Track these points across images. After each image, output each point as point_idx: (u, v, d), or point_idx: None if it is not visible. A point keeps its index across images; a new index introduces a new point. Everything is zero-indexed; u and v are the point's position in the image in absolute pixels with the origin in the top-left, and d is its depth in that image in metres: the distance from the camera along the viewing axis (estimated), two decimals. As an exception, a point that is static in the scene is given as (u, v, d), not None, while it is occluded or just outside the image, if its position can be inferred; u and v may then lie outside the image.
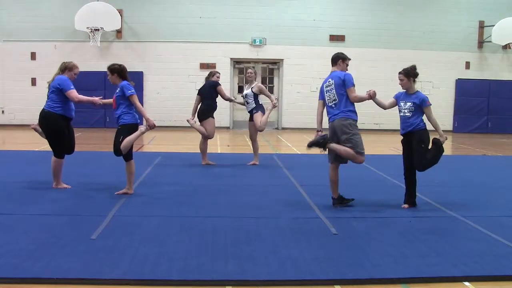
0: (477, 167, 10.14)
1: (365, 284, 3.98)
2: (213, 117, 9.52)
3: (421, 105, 6.19)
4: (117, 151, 6.59)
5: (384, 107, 6.57)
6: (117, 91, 6.61)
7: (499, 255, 4.56)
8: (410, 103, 6.20)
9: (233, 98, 10.29)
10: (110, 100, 7.07)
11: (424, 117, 6.28)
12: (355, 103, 6.23)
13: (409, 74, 6.25)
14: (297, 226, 5.45)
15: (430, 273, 4.11)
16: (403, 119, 6.28)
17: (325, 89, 6.34)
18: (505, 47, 18.37)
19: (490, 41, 18.28)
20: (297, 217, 5.81)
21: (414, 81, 6.30)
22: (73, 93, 6.81)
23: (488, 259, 4.44)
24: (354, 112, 6.22)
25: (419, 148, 6.14)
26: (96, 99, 7.10)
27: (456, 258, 4.45)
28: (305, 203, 6.56)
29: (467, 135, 17.91)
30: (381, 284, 3.97)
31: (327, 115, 6.35)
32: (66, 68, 6.98)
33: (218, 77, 9.62)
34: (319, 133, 6.34)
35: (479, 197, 7.07)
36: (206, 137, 9.57)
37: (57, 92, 6.82)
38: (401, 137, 6.43)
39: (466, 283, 3.99)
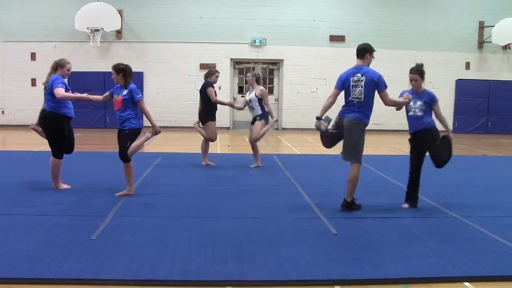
0: (477, 167, 10.14)
1: (365, 284, 3.98)
2: (213, 120, 9.40)
3: (431, 103, 6.19)
4: (124, 156, 6.58)
5: (399, 109, 6.47)
6: (125, 93, 6.53)
7: (499, 255, 4.57)
8: (420, 102, 6.16)
9: (226, 102, 9.99)
10: (98, 97, 6.98)
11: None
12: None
13: (423, 72, 6.20)
14: (297, 226, 5.45)
15: (430, 273, 4.11)
16: (414, 118, 6.21)
17: (351, 82, 6.01)
18: (505, 47, 18.39)
19: (490, 42, 18.29)
20: (297, 218, 5.81)
21: (424, 78, 6.27)
22: (58, 90, 6.67)
23: (488, 259, 4.44)
24: (369, 116, 6.07)
25: (435, 147, 6.15)
26: (81, 95, 6.86)
27: (456, 258, 4.45)
28: (305, 203, 6.55)
29: (467, 136, 17.91)
30: (381, 284, 3.97)
31: (343, 105, 6.13)
32: (57, 65, 6.93)
33: (217, 77, 9.48)
34: (322, 121, 6.11)
35: (479, 198, 7.07)
36: (208, 140, 9.53)
37: (53, 93, 6.78)
38: (408, 137, 6.38)
39: (466, 283, 3.99)
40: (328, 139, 6.29)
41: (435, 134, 6.19)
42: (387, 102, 6.09)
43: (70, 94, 6.82)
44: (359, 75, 6.01)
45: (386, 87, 6.00)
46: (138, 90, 6.68)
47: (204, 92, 9.26)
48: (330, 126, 6.18)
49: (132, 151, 6.59)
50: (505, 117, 18.94)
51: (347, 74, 6.12)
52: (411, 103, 6.20)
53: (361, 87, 5.96)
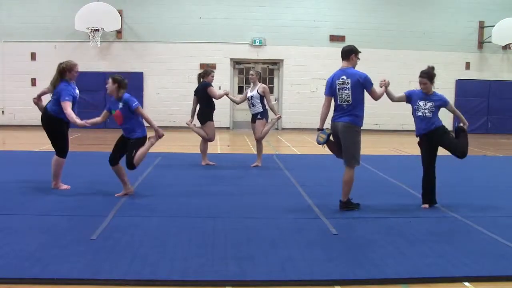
0: (477, 167, 10.13)
1: (365, 284, 3.98)
2: (212, 120, 9.42)
3: (442, 106, 6.28)
4: (131, 165, 6.50)
5: (392, 99, 6.46)
6: (121, 106, 6.45)
7: (499, 255, 4.57)
8: (431, 104, 6.21)
9: (222, 93, 9.92)
10: (97, 119, 6.72)
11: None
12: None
13: (432, 77, 6.24)
14: (297, 226, 5.45)
15: (430, 273, 4.11)
16: (423, 119, 6.25)
17: (337, 86, 6.00)
18: (505, 47, 18.39)
19: (490, 42, 18.30)
20: (297, 218, 5.81)
21: (434, 82, 6.30)
22: (65, 105, 6.59)
23: (488, 259, 4.44)
24: (362, 117, 6.03)
25: (452, 139, 6.28)
26: (80, 122, 6.58)
27: (456, 258, 4.45)
28: (305, 203, 6.55)
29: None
30: (381, 284, 3.97)
31: (334, 111, 6.12)
32: (65, 70, 6.77)
33: (213, 77, 9.47)
34: (321, 133, 6.15)
35: (479, 198, 7.06)
36: (207, 140, 9.54)
37: (57, 98, 6.75)
38: (413, 139, 6.41)
39: (466, 283, 3.99)
40: (334, 147, 6.27)
41: (444, 129, 6.29)
42: (377, 97, 6.11)
43: (73, 115, 6.61)
44: (344, 77, 5.97)
45: (372, 84, 6.01)
46: (133, 98, 6.53)
47: (203, 93, 9.25)
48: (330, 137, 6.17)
49: (139, 159, 6.53)
50: (505, 117, 18.95)
51: (332, 77, 6.09)
52: (421, 103, 6.24)
53: (348, 90, 5.93)
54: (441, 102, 6.28)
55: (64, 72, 6.80)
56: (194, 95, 9.47)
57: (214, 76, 9.59)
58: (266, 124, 9.32)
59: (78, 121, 6.61)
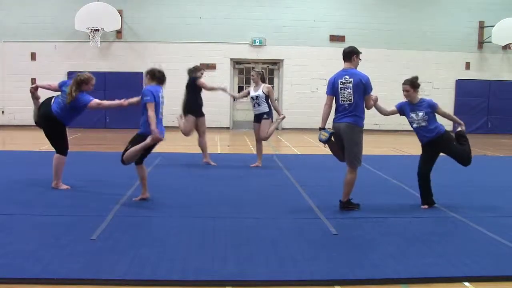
0: (477, 167, 10.10)
1: (365, 284, 3.98)
2: (195, 116, 9.36)
3: (432, 110, 6.25)
4: (121, 159, 6.36)
5: (384, 113, 6.50)
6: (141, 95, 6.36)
7: (499, 255, 4.57)
8: (422, 113, 6.19)
9: (216, 87, 9.95)
10: (134, 100, 6.76)
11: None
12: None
13: (415, 85, 6.23)
14: (297, 226, 5.45)
15: (430, 273, 4.11)
16: (421, 129, 6.25)
17: (339, 85, 5.98)
18: (505, 47, 18.40)
19: (490, 42, 18.30)
20: (297, 218, 5.81)
21: (417, 91, 6.30)
22: (93, 103, 6.77)
23: (488, 259, 4.44)
24: (363, 118, 6.03)
25: (456, 147, 6.31)
26: (120, 102, 6.77)
27: (456, 258, 4.45)
28: (305, 203, 6.55)
29: (467, 136, 17.88)
30: (381, 284, 3.97)
31: (335, 112, 6.10)
32: (82, 82, 6.79)
33: (202, 74, 9.53)
34: (323, 131, 6.08)
35: (479, 198, 7.07)
36: (183, 133, 9.51)
37: (69, 106, 6.78)
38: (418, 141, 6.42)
39: (466, 283, 3.99)
40: (336, 149, 6.24)
41: (450, 136, 6.30)
42: (370, 106, 6.11)
43: (112, 102, 6.83)
44: (346, 77, 5.98)
45: (372, 89, 6.03)
46: (148, 93, 6.36)
47: (192, 86, 9.32)
48: (332, 138, 6.15)
49: (128, 156, 6.22)
50: (505, 117, 18.95)
51: (334, 77, 6.09)
52: (413, 115, 6.24)
53: (350, 89, 5.93)
54: (429, 108, 6.23)
55: (81, 84, 6.82)
56: (186, 89, 9.53)
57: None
58: (271, 124, 9.34)
59: (118, 102, 6.81)
